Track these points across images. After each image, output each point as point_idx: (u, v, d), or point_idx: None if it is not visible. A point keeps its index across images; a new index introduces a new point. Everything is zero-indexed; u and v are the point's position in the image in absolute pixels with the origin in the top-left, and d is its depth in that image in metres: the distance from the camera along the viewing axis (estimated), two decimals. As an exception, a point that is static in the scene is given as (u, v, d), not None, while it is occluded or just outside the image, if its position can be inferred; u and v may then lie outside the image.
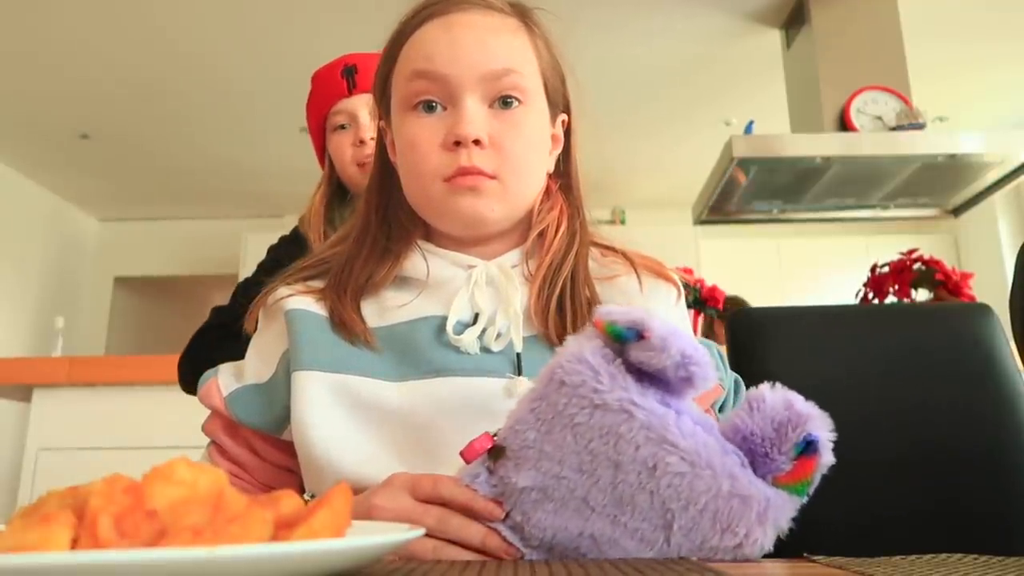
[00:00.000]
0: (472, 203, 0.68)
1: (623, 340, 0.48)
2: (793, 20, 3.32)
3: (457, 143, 0.67)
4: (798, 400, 0.50)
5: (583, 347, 0.50)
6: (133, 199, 5.70)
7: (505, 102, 0.69)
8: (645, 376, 0.49)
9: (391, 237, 0.74)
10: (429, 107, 0.69)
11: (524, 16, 0.73)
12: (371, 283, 0.72)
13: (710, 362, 0.48)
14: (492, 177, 0.68)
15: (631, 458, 0.48)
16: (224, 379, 0.73)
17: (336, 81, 1.37)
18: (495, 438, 0.52)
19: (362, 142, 1.35)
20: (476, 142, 0.67)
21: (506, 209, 0.70)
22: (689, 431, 0.48)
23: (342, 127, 1.38)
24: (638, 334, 0.47)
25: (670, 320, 0.72)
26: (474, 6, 0.70)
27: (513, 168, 0.69)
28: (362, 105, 1.36)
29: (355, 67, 1.37)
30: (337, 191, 1.41)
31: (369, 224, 0.75)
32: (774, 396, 0.50)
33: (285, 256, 1.29)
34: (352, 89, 1.36)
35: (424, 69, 0.68)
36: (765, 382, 0.51)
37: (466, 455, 0.51)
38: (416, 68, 0.68)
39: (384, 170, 0.77)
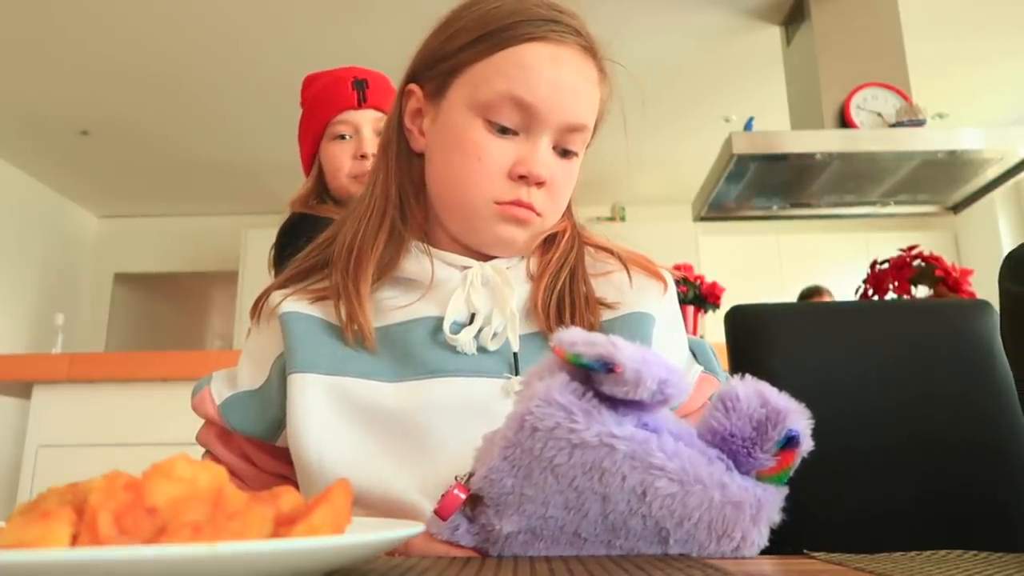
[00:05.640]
0: (514, 233, 0.70)
1: (590, 370, 0.47)
2: (793, 17, 3.31)
3: (522, 176, 0.67)
4: (772, 394, 0.49)
5: (550, 387, 0.47)
6: (133, 195, 5.70)
7: (565, 152, 0.70)
8: (618, 401, 0.47)
9: (405, 223, 0.72)
10: (503, 129, 0.68)
11: (601, 64, 0.72)
12: (387, 268, 0.70)
13: (683, 377, 0.47)
14: (539, 215, 0.70)
15: (619, 488, 0.47)
16: (217, 387, 0.73)
17: (346, 91, 1.36)
18: (467, 486, 0.50)
19: (363, 156, 1.34)
20: (539, 183, 0.68)
21: (535, 238, 0.72)
22: (672, 450, 0.48)
23: (342, 137, 1.37)
24: (607, 367, 0.45)
25: (664, 313, 0.73)
26: (573, 40, 0.69)
27: (557, 210, 0.72)
28: (367, 120, 1.36)
29: (366, 81, 1.37)
30: (322, 197, 1.40)
31: (387, 207, 0.73)
32: (747, 392, 0.49)
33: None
34: (362, 102, 1.36)
35: (522, 98, 0.66)
36: (736, 376, 0.51)
37: (442, 511, 0.49)
38: (515, 93, 0.66)
39: (405, 151, 0.74)
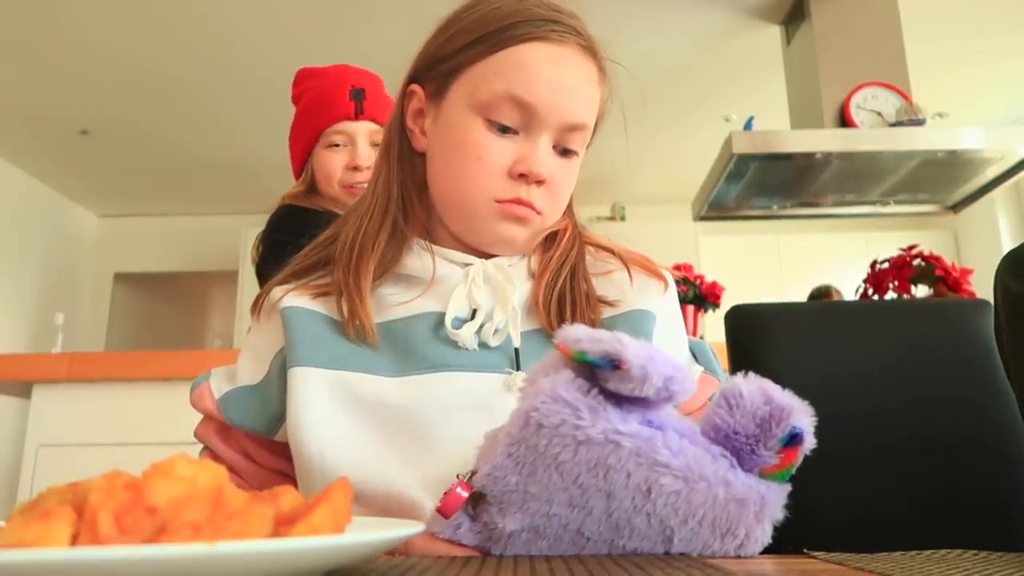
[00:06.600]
0: (514, 231, 0.70)
1: (595, 367, 0.46)
2: (793, 16, 3.31)
3: (522, 175, 0.68)
4: (775, 391, 0.49)
5: (556, 384, 0.47)
6: (133, 195, 5.70)
7: (565, 151, 0.71)
8: (623, 398, 0.47)
9: (407, 222, 0.73)
10: (503, 128, 0.68)
11: (601, 64, 0.73)
12: (389, 265, 0.71)
13: (688, 374, 0.47)
14: (539, 213, 0.70)
15: (623, 485, 0.47)
16: (216, 382, 0.73)
17: (343, 100, 1.36)
18: (470, 483, 0.49)
19: (356, 168, 1.34)
20: (539, 181, 0.69)
21: (536, 237, 0.73)
22: (677, 447, 0.47)
23: (336, 145, 1.37)
24: (612, 364, 0.45)
25: (664, 312, 0.73)
26: (572, 40, 0.69)
27: (557, 208, 0.73)
28: (363, 131, 1.36)
29: (364, 91, 1.36)
30: (309, 201, 1.39)
31: (389, 206, 0.73)
32: (751, 389, 0.49)
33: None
34: (359, 114, 1.35)
35: (521, 98, 0.67)
36: (739, 373, 0.51)
37: (444, 510, 0.49)
38: (514, 93, 0.67)
39: (407, 151, 0.75)
